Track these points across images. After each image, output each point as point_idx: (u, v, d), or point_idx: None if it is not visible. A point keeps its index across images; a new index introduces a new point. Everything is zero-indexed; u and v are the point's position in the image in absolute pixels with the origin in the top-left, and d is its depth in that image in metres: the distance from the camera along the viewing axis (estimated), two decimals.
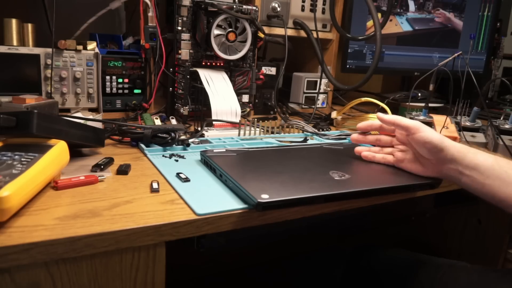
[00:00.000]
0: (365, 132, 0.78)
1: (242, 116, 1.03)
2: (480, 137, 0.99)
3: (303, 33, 1.24)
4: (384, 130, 0.76)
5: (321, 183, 0.64)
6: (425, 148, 0.66)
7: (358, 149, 0.77)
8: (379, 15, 1.29)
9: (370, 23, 1.34)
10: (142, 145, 0.79)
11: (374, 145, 0.78)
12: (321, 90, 1.30)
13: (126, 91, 1.04)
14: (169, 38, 1.02)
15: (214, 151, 0.75)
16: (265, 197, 0.55)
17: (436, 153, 0.65)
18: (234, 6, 1.02)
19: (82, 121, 0.75)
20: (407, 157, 0.72)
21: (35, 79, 0.93)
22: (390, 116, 0.72)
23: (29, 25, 0.95)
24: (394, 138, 0.75)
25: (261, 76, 1.16)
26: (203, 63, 1.05)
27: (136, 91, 1.05)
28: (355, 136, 0.78)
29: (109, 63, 1.00)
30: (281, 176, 0.65)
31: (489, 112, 1.19)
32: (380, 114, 0.73)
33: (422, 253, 0.87)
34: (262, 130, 0.96)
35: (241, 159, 0.73)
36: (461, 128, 0.99)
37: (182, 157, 0.76)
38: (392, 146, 0.75)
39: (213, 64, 1.06)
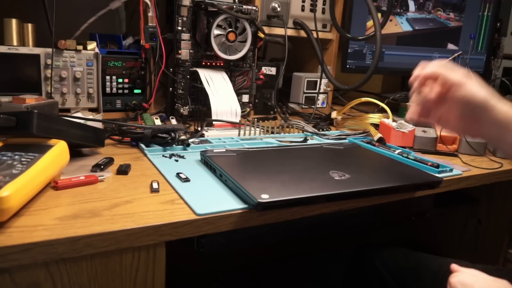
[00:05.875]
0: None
1: (242, 116, 1.03)
2: None
3: (303, 33, 1.24)
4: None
5: (321, 183, 0.64)
6: (467, 107, 0.57)
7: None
8: (379, 15, 1.29)
9: (370, 23, 1.34)
10: (142, 145, 0.79)
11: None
12: (321, 90, 1.30)
13: (126, 91, 1.04)
14: (169, 38, 1.02)
15: (214, 151, 0.75)
16: (265, 197, 0.55)
17: (479, 114, 0.57)
18: (234, 6, 1.02)
19: (82, 121, 0.75)
20: (448, 115, 0.61)
21: (35, 79, 0.93)
22: (429, 69, 0.59)
23: (29, 25, 0.95)
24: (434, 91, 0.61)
25: (261, 76, 1.16)
26: (203, 63, 1.05)
27: (136, 91, 1.05)
28: (411, 113, 0.63)
29: (109, 63, 1.00)
30: (281, 176, 0.65)
31: None
32: (417, 71, 0.61)
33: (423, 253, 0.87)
34: (262, 130, 0.96)
35: (241, 159, 0.73)
36: None
37: (182, 157, 0.76)
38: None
39: (213, 64, 1.06)
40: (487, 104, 0.56)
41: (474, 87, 0.57)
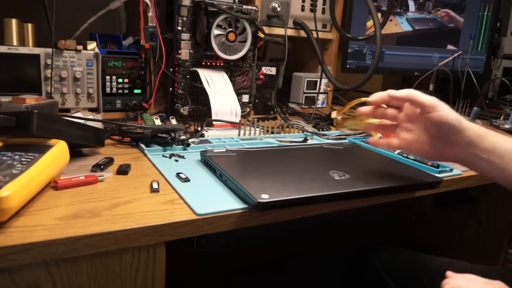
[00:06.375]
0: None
1: (242, 116, 1.03)
2: None
3: (303, 33, 1.24)
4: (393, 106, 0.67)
5: (321, 183, 0.64)
6: (441, 129, 0.60)
7: (367, 127, 0.74)
8: (379, 15, 1.29)
9: (370, 23, 1.34)
10: (142, 145, 0.79)
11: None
12: (321, 90, 1.30)
13: (126, 91, 1.04)
14: (169, 38, 1.02)
15: (214, 151, 0.75)
16: (265, 197, 0.55)
17: (453, 135, 0.60)
18: (234, 6, 1.02)
19: (82, 121, 0.75)
20: (415, 139, 0.64)
21: (35, 79, 0.93)
22: (403, 91, 0.63)
23: (29, 25, 0.95)
24: (399, 113, 0.66)
25: (261, 76, 1.16)
26: (203, 63, 1.05)
27: (136, 91, 1.05)
28: (363, 109, 0.70)
29: (109, 63, 1.00)
30: (281, 176, 0.65)
31: (489, 112, 1.20)
32: (392, 91, 0.64)
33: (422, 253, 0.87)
34: (262, 130, 0.96)
35: (241, 159, 0.73)
36: None
37: (182, 157, 0.76)
38: (398, 125, 0.67)
39: (213, 64, 1.06)
40: (460, 126, 0.59)
41: (447, 109, 0.60)
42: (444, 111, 0.60)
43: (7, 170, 0.51)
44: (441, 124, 0.60)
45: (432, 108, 0.60)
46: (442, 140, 0.62)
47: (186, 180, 0.64)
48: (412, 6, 1.41)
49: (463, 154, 0.61)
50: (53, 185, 0.58)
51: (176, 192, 0.60)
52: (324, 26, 1.29)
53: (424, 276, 0.79)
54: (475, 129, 0.60)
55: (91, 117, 0.88)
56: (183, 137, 0.83)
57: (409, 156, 0.83)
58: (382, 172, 0.72)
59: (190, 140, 0.83)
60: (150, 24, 1.00)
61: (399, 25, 1.41)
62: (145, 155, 0.76)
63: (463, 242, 1.35)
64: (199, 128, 0.94)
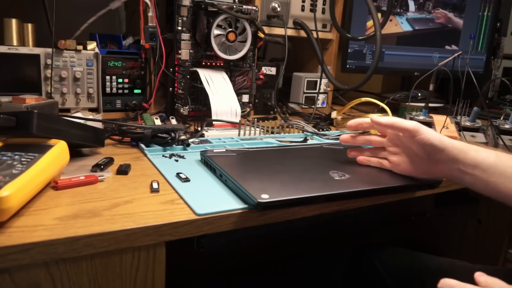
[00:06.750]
0: (355, 131, 0.74)
1: (242, 116, 1.03)
2: (480, 137, 0.99)
3: (303, 33, 1.24)
4: (376, 130, 0.73)
5: (321, 183, 0.64)
6: (425, 150, 0.64)
7: (351, 152, 0.76)
8: (379, 15, 1.29)
9: (370, 23, 1.34)
10: (142, 145, 0.79)
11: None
12: (321, 90, 1.30)
13: (126, 91, 1.04)
14: (169, 38, 1.02)
15: (214, 151, 0.75)
16: (265, 197, 0.55)
17: (437, 154, 0.63)
18: (234, 6, 1.02)
19: (82, 121, 0.75)
20: (402, 160, 0.69)
21: (35, 79, 0.93)
22: (386, 119, 0.67)
23: (29, 25, 0.95)
24: (385, 139, 0.72)
25: (261, 76, 1.16)
26: (203, 63, 1.05)
27: (136, 91, 1.05)
28: (344, 137, 0.74)
29: (109, 63, 1.00)
30: (281, 176, 0.65)
31: (489, 112, 1.19)
32: (375, 117, 0.68)
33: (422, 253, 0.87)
34: (262, 130, 0.96)
35: (241, 159, 0.73)
36: (461, 128, 1.00)
37: (182, 157, 0.76)
38: (383, 148, 0.73)
39: (213, 64, 1.06)
40: (441, 144, 0.63)
41: (429, 131, 0.64)
42: (426, 133, 0.63)
43: (7, 170, 0.51)
44: (424, 145, 0.63)
45: (416, 131, 0.63)
46: (427, 159, 0.65)
47: (186, 180, 0.64)
48: (412, 6, 1.41)
49: (448, 170, 0.64)
50: (53, 185, 0.58)
51: (176, 192, 0.60)
52: (324, 26, 1.29)
53: (424, 276, 0.79)
54: (457, 146, 0.63)
55: (91, 117, 0.88)
56: (183, 137, 0.83)
57: None
58: (382, 172, 0.72)
59: (190, 140, 0.83)
60: (150, 24, 1.00)
61: (399, 25, 1.41)
62: (145, 155, 0.76)
63: (463, 242, 1.35)
64: (199, 128, 0.94)
